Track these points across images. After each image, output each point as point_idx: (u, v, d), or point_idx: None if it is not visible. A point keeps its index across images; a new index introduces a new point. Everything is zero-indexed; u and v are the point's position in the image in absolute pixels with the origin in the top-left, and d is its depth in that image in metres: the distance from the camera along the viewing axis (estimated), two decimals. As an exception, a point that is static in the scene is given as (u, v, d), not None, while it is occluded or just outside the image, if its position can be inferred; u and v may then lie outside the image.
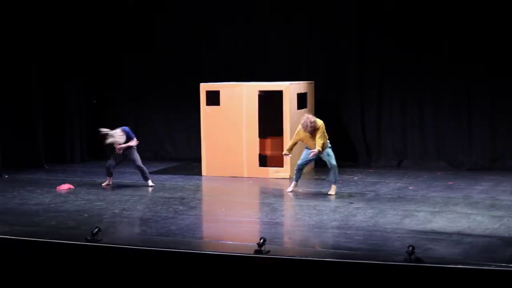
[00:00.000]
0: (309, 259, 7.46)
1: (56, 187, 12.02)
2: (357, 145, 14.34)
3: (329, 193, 11.12)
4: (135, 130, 15.74)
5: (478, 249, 7.87)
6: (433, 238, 8.32)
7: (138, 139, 15.76)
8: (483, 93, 13.44)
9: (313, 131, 11.02)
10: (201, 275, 7.61)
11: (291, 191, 11.38)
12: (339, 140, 14.17)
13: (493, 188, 11.58)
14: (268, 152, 13.42)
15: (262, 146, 13.23)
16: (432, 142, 13.93)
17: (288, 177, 12.76)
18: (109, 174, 12.18)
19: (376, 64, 14.09)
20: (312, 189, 11.80)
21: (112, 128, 14.21)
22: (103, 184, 12.18)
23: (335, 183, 11.17)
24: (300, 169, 11.38)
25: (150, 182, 12.13)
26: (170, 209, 10.30)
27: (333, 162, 11.11)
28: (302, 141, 11.31)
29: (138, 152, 15.61)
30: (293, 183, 11.46)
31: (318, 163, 13.49)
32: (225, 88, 13.19)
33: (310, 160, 11.40)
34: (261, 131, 12.99)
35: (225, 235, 8.91)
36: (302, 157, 11.33)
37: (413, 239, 8.16)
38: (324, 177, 12.39)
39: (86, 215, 9.92)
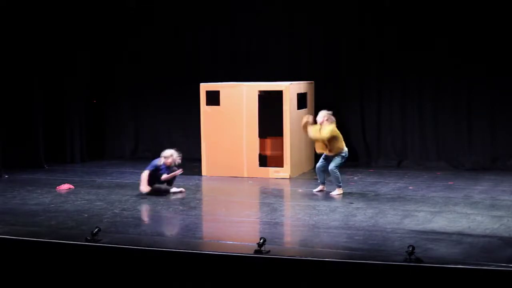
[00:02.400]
0: (309, 259, 7.47)
1: (56, 187, 12.02)
2: (357, 145, 14.33)
3: (331, 193, 11.20)
4: (135, 130, 15.86)
5: (478, 249, 7.87)
6: (433, 238, 8.32)
7: (138, 139, 15.87)
8: (483, 93, 13.44)
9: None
10: (201, 275, 7.61)
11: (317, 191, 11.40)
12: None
13: (493, 188, 11.59)
14: (268, 152, 13.42)
15: (262, 146, 13.23)
16: (432, 142, 13.93)
17: (288, 177, 12.76)
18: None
19: (376, 64, 14.09)
20: (312, 189, 11.79)
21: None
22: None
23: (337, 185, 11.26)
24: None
25: (173, 189, 11.58)
26: (170, 209, 10.30)
27: (335, 167, 11.17)
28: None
29: (138, 152, 15.72)
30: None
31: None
32: (225, 88, 13.19)
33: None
34: (261, 131, 12.99)
35: (225, 235, 8.91)
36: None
37: (413, 239, 8.17)
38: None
39: (86, 215, 9.93)
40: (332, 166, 11.15)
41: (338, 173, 11.16)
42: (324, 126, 11.23)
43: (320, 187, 11.45)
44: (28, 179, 13.00)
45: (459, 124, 13.69)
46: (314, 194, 11.26)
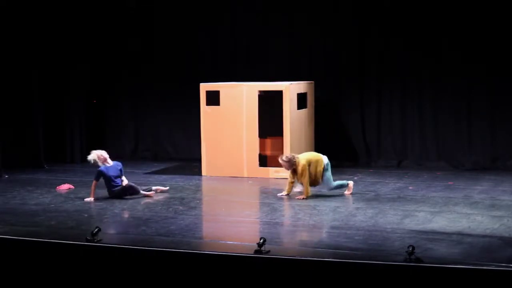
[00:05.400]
0: (309, 259, 7.46)
1: (56, 187, 12.02)
2: (357, 145, 14.33)
3: (345, 193, 11.11)
4: (135, 130, 15.85)
5: (478, 249, 7.86)
6: (433, 238, 8.32)
7: (138, 139, 15.86)
8: (483, 93, 13.44)
9: (292, 169, 10.93)
10: (201, 275, 7.61)
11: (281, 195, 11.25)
12: (339, 140, 14.22)
13: (493, 188, 11.58)
14: (268, 152, 13.41)
15: (262, 146, 13.23)
16: (432, 142, 13.93)
17: (288, 177, 12.74)
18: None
19: (376, 64, 14.08)
20: (311, 189, 11.77)
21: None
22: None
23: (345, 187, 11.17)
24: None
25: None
26: (170, 209, 10.30)
27: (331, 185, 11.07)
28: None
29: (138, 152, 15.70)
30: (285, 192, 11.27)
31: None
32: (225, 88, 13.19)
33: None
34: (261, 131, 12.99)
35: (225, 235, 8.91)
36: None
37: (413, 239, 8.16)
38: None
39: (86, 215, 9.93)
40: (328, 187, 11.05)
41: (336, 185, 11.08)
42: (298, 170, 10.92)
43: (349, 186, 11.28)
44: (28, 179, 13.00)
45: (459, 124, 13.69)
46: (314, 194, 11.21)
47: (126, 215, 10.06)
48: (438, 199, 10.76)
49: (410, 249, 7.12)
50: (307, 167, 10.90)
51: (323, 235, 8.80)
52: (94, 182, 11.10)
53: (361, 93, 14.28)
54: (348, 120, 14.35)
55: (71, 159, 15.08)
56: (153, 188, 11.47)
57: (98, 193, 11.16)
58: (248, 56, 14.73)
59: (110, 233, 8.65)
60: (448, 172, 13.24)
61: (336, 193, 11.27)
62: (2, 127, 13.71)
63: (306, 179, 10.89)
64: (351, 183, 11.24)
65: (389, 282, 7.08)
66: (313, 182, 11.01)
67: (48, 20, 14.49)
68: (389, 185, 12.05)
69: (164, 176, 13.10)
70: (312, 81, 13.96)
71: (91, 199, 10.94)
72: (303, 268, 7.33)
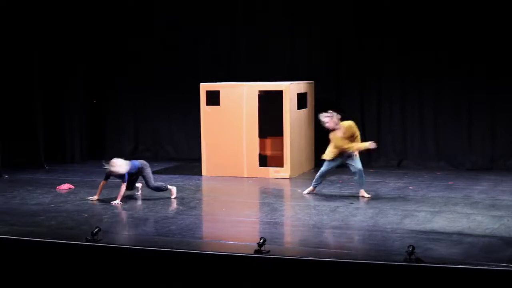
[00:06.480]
0: (309, 259, 7.47)
1: (56, 187, 12.02)
2: (357, 145, 14.31)
3: (360, 195, 10.95)
4: (135, 130, 15.86)
5: (478, 249, 7.87)
6: (433, 238, 8.32)
7: (138, 139, 15.86)
8: (483, 93, 13.44)
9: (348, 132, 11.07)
10: (201, 275, 7.61)
11: (306, 193, 11.29)
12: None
13: (493, 188, 11.58)
14: (268, 152, 13.43)
15: (262, 146, 13.23)
16: (432, 142, 13.93)
17: (288, 177, 12.76)
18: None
19: (376, 64, 14.08)
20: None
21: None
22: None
23: (362, 187, 11.01)
24: (322, 176, 11.24)
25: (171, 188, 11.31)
26: (170, 209, 10.30)
27: (357, 166, 10.99)
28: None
29: (138, 152, 15.69)
30: (311, 187, 11.32)
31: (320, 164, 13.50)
32: (225, 88, 13.19)
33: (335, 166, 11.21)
34: (261, 131, 12.99)
35: (225, 235, 8.91)
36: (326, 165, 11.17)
37: (413, 239, 8.17)
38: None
39: (86, 215, 9.93)
40: (361, 166, 10.99)
41: (361, 171, 11.00)
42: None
43: (311, 189, 11.32)
44: (28, 179, 13.00)
45: (459, 124, 13.69)
46: (314, 194, 11.23)
47: (126, 215, 10.07)
48: (438, 199, 10.76)
49: (410, 249, 7.12)
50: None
51: (323, 235, 8.79)
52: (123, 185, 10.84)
53: (361, 93, 14.28)
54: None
55: (71, 159, 15.08)
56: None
57: (101, 193, 11.16)
58: (248, 56, 14.73)
59: (110, 233, 8.65)
60: (448, 172, 13.25)
61: (336, 193, 11.29)
62: (2, 127, 13.71)
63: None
64: (366, 195, 10.95)
65: (389, 282, 7.08)
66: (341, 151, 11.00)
67: (48, 20, 14.50)
68: (389, 185, 12.05)
69: (164, 176, 13.09)
70: (312, 81, 13.96)
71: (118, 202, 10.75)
72: (303, 268, 7.33)
